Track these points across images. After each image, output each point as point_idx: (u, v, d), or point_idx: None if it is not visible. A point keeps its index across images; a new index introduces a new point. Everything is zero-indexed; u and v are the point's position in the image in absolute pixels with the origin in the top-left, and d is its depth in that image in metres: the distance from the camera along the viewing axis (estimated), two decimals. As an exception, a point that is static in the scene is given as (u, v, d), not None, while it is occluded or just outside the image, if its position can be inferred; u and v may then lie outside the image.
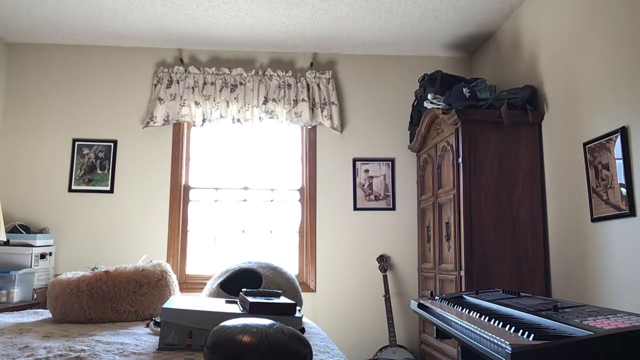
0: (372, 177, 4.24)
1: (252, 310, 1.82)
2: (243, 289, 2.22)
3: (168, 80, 4.14)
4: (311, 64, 4.30)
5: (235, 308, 1.92)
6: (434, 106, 3.42)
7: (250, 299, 1.87)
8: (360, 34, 4.01)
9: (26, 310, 2.93)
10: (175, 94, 4.12)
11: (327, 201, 4.20)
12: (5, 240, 3.50)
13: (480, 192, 3.13)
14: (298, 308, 2.11)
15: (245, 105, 4.13)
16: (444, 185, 3.49)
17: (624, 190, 2.39)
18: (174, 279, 2.75)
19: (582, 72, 2.78)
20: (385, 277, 4.00)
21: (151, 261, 2.81)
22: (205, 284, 3.96)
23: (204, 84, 4.14)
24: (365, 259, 4.15)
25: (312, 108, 4.19)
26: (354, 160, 4.25)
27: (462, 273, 3.10)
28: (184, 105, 4.11)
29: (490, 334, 1.21)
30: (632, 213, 2.35)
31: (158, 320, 2.17)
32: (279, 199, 4.26)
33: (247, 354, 1.29)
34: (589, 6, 2.74)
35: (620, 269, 2.44)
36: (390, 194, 4.23)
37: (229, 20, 3.79)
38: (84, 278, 2.53)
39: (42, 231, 3.98)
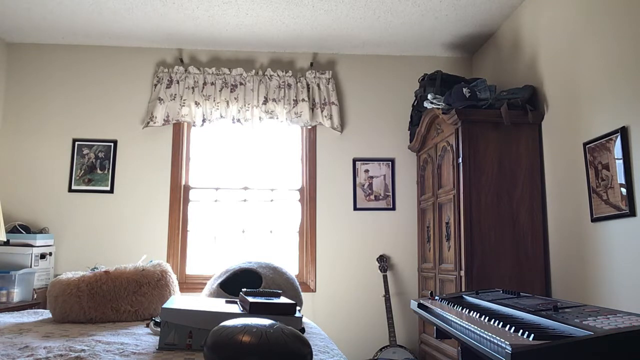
0: (372, 177, 4.24)
1: (252, 310, 1.82)
2: (243, 289, 2.22)
3: (168, 80, 4.14)
4: (311, 64, 4.30)
5: (235, 308, 1.92)
6: (434, 106, 3.42)
7: (250, 299, 1.87)
8: (360, 34, 4.01)
9: (26, 310, 2.93)
10: (175, 94, 4.12)
11: (327, 201, 4.20)
12: (5, 240, 3.50)
13: (480, 192, 3.13)
14: (298, 308, 2.11)
15: (245, 105, 4.13)
16: (444, 185, 3.49)
17: (624, 190, 2.39)
18: (174, 279, 2.75)
19: (582, 72, 2.78)
20: (385, 277, 4.00)
21: (151, 261, 2.81)
22: (205, 284, 3.96)
23: (204, 84, 4.14)
24: (365, 259, 4.15)
25: (312, 108, 4.19)
26: (354, 160, 4.25)
27: (462, 273, 3.10)
28: (184, 105, 4.11)
29: (490, 334, 1.21)
30: (632, 213, 2.35)
31: (158, 320, 2.17)
32: (279, 199, 4.26)
33: (247, 354, 1.29)
34: (588, 6, 2.74)
35: (620, 268, 2.44)
36: (390, 194, 4.23)
37: (229, 20, 3.79)
38: (84, 278, 2.53)
39: (42, 231, 3.98)
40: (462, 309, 1.65)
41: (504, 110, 3.11)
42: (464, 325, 1.44)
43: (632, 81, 2.39)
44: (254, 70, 4.20)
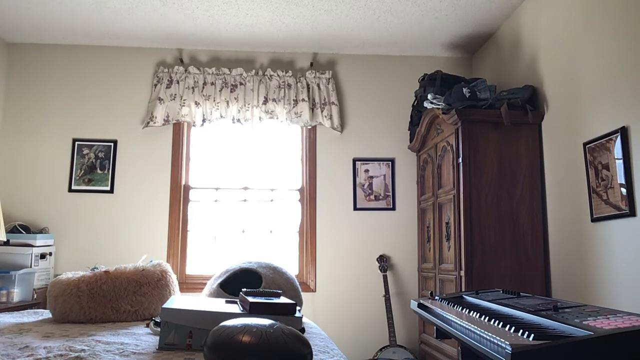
0: (372, 177, 4.24)
1: (252, 310, 1.82)
2: (243, 289, 2.22)
3: (168, 80, 4.14)
4: (311, 64, 4.30)
5: (235, 308, 1.92)
6: (434, 106, 3.42)
7: (250, 299, 1.87)
8: (360, 34, 4.01)
9: (26, 310, 2.93)
10: (175, 94, 4.12)
11: (327, 201, 4.20)
12: (5, 240, 3.50)
13: (480, 192, 3.13)
14: (298, 308, 2.11)
15: (245, 105, 4.13)
16: (444, 185, 3.49)
17: (624, 190, 2.39)
18: (174, 279, 2.75)
19: (582, 72, 2.78)
20: (385, 277, 4.00)
21: (151, 261, 2.81)
22: (205, 284, 3.96)
23: (204, 84, 4.14)
24: (365, 259, 4.15)
25: (312, 108, 4.19)
26: (354, 160, 4.25)
27: (462, 273, 3.10)
28: (184, 105, 4.11)
29: (490, 334, 1.21)
30: (632, 213, 2.35)
31: (158, 320, 2.17)
32: (279, 199, 4.26)
33: (247, 354, 1.29)
34: (589, 6, 2.74)
35: (620, 269, 2.44)
36: (390, 194, 4.23)
37: (229, 20, 3.79)
38: (84, 278, 2.53)
39: (42, 231, 3.98)
40: (462, 309, 1.65)
41: (504, 110, 3.11)
42: (464, 325, 1.44)
43: (632, 81, 2.39)
44: (254, 70, 4.20)
